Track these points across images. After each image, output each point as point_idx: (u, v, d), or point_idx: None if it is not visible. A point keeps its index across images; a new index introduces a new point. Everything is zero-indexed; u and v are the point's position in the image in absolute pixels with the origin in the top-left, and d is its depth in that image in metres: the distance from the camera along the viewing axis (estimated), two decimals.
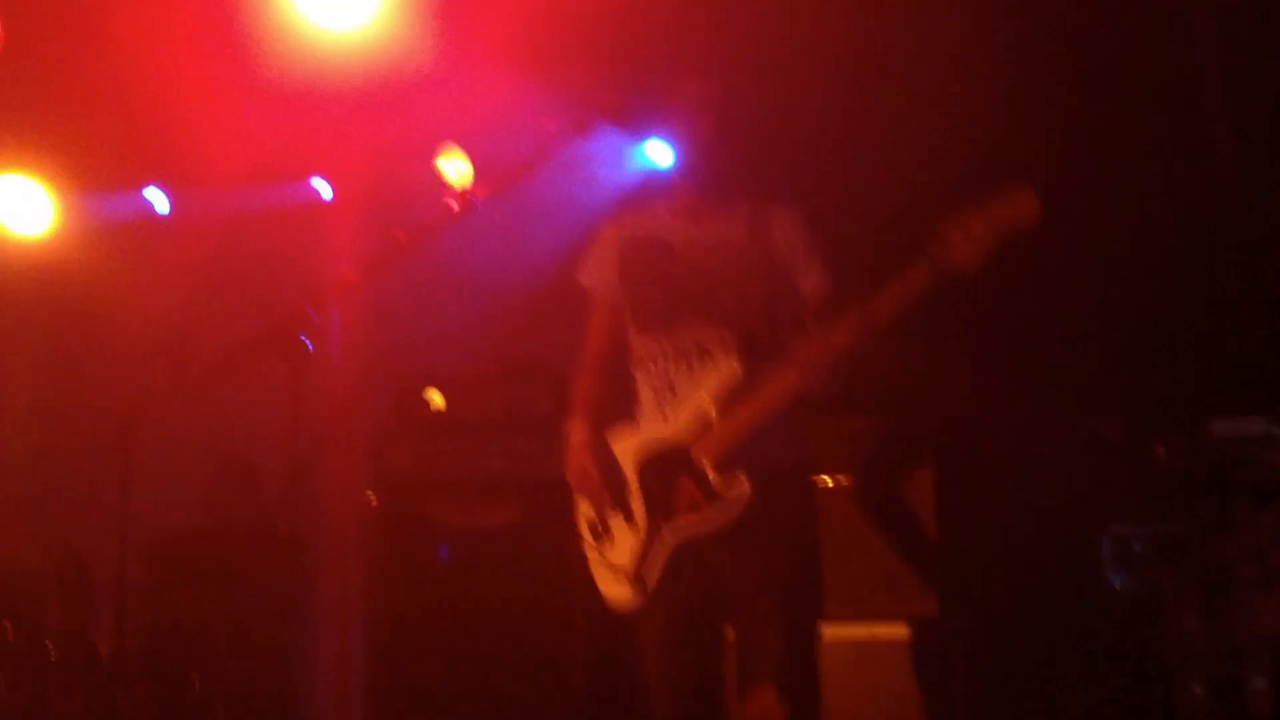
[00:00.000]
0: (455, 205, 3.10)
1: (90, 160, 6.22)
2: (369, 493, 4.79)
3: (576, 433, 3.30)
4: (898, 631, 4.17)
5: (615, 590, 3.20)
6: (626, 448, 3.23)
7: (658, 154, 5.79)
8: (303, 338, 2.94)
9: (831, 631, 3.91)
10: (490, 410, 4.85)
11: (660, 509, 3.13)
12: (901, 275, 2.96)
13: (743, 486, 3.06)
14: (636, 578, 3.13)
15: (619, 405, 3.34)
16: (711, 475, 3.09)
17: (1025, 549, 4.44)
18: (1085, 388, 4.58)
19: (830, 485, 4.31)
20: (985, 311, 4.56)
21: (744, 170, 3.34)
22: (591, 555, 3.27)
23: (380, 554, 4.74)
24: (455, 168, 5.77)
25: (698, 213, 3.28)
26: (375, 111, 5.90)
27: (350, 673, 4.62)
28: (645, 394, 3.25)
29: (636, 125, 5.73)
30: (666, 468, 3.13)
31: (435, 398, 4.87)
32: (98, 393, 5.56)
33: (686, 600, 3.12)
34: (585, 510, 3.29)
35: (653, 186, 5.43)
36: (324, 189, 6.39)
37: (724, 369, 3.12)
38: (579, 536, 3.30)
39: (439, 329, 5.95)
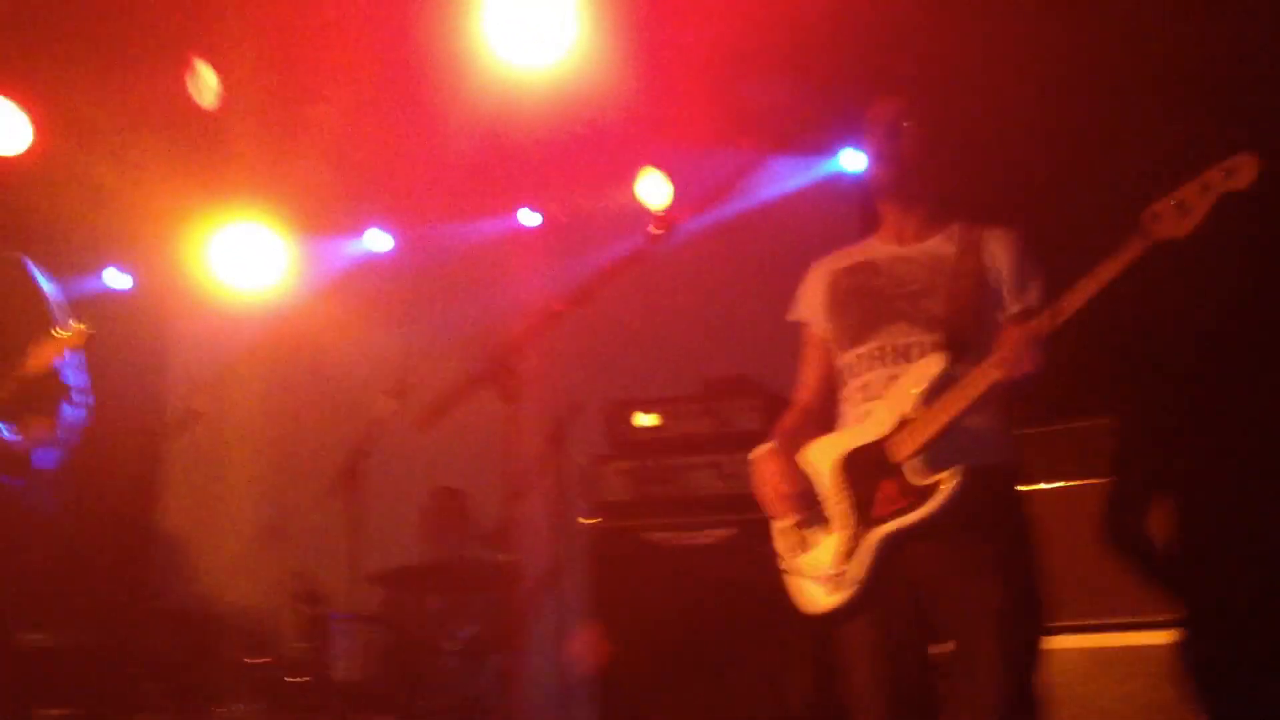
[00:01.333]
0: (656, 228, 3.11)
1: (314, 206, 6.53)
2: (581, 518, 4.86)
3: (758, 450, 3.27)
4: (1123, 639, 3.97)
5: (812, 600, 3.15)
6: (826, 454, 3.18)
7: (852, 165, 5.73)
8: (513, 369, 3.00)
9: (1056, 641, 3.76)
10: (699, 429, 4.86)
11: (860, 511, 3.07)
12: (1112, 253, 2.84)
13: (942, 484, 2.97)
14: (838, 583, 3.07)
15: (824, 430, 3.29)
16: (909, 473, 3.01)
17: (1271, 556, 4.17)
18: None
19: (1047, 490, 4.15)
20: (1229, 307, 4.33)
21: (951, 190, 3.27)
22: (787, 567, 3.22)
23: (596, 576, 4.79)
24: (655, 191, 5.85)
25: (904, 234, 3.25)
26: (575, 141, 6.01)
27: (573, 694, 4.67)
28: (847, 405, 3.22)
29: (833, 142, 5.70)
30: (865, 470, 3.08)
31: (644, 419, 4.92)
32: (325, 430, 5.81)
33: (893, 604, 3.04)
34: (779, 525, 3.25)
35: (855, 204, 5.38)
36: (530, 219, 6.55)
37: (927, 367, 3.04)
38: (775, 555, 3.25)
39: (646, 351, 6.03)
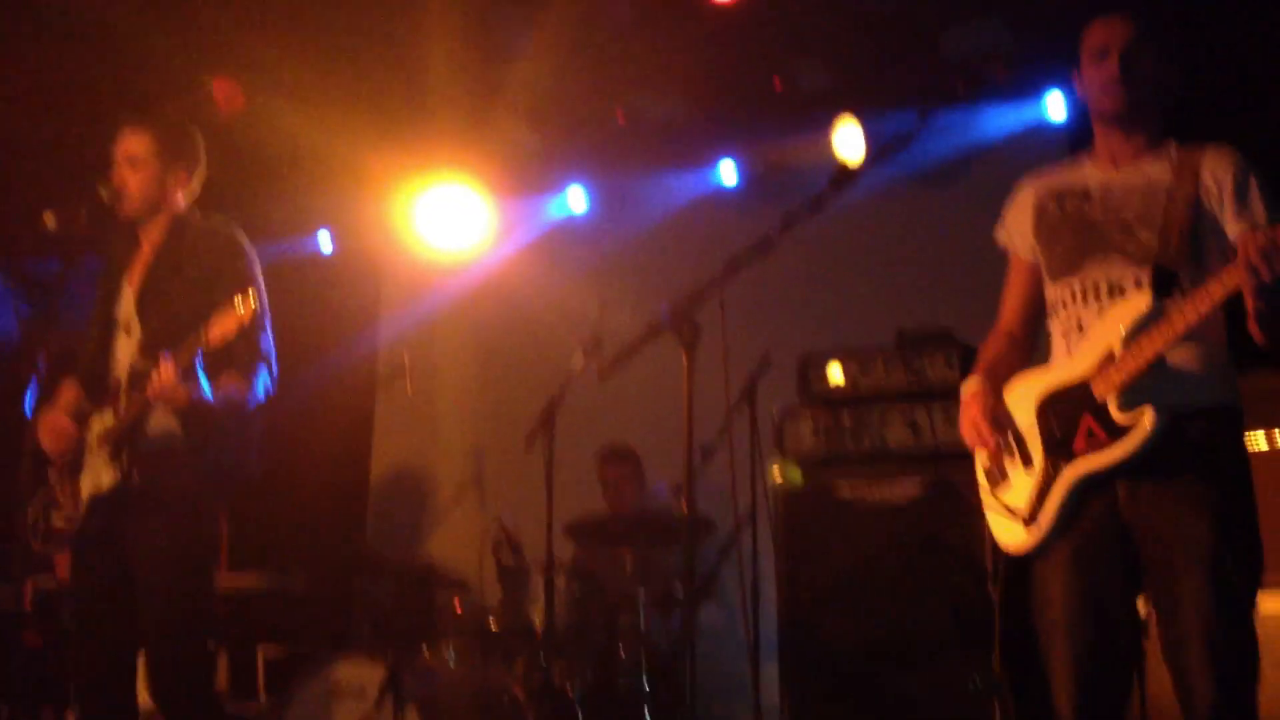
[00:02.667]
0: (840, 177, 3.06)
1: (514, 166, 6.67)
2: (774, 469, 4.84)
3: (968, 386, 3.19)
4: None
5: (1010, 535, 3.06)
6: (1028, 392, 3.09)
7: (1055, 109, 5.51)
8: (693, 319, 3.00)
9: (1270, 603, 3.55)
10: (892, 382, 4.78)
11: (1059, 448, 2.97)
12: None
13: (1147, 420, 2.84)
14: (1032, 519, 2.99)
15: (1030, 362, 3.20)
16: (1112, 411, 2.89)
17: None
18: None
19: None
20: None
21: (1168, 112, 3.11)
22: (987, 502, 3.14)
23: (785, 530, 4.78)
24: (851, 142, 5.75)
25: (1119, 157, 3.10)
26: (771, 93, 5.96)
27: (762, 649, 4.69)
28: (1056, 340, 3.11)
29: (1037, 78, 5.48)
30: (1067, 406, 2.97)
31: (837, 372, 4.86)
32: (525, 385, 5.95)
33: (1092, 545, 2.94)
34: (980, 459, 3.18)
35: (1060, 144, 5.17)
36: (728, 175, 6.51)
37: (1135, 303, 2.91)
38: (977, 490, 3.18)
39: (837, 303, 5.96)
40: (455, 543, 6.47)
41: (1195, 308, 2.78)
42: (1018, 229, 3.24)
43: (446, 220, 6.74)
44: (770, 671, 4.70)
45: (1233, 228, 2.93)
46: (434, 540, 6.76)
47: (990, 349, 3.27)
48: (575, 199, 6.88)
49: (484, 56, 5.93)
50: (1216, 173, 2.97)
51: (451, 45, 5.84)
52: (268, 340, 3.88)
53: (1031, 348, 3.25)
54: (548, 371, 5.10)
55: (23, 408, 4.12)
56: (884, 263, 5.97)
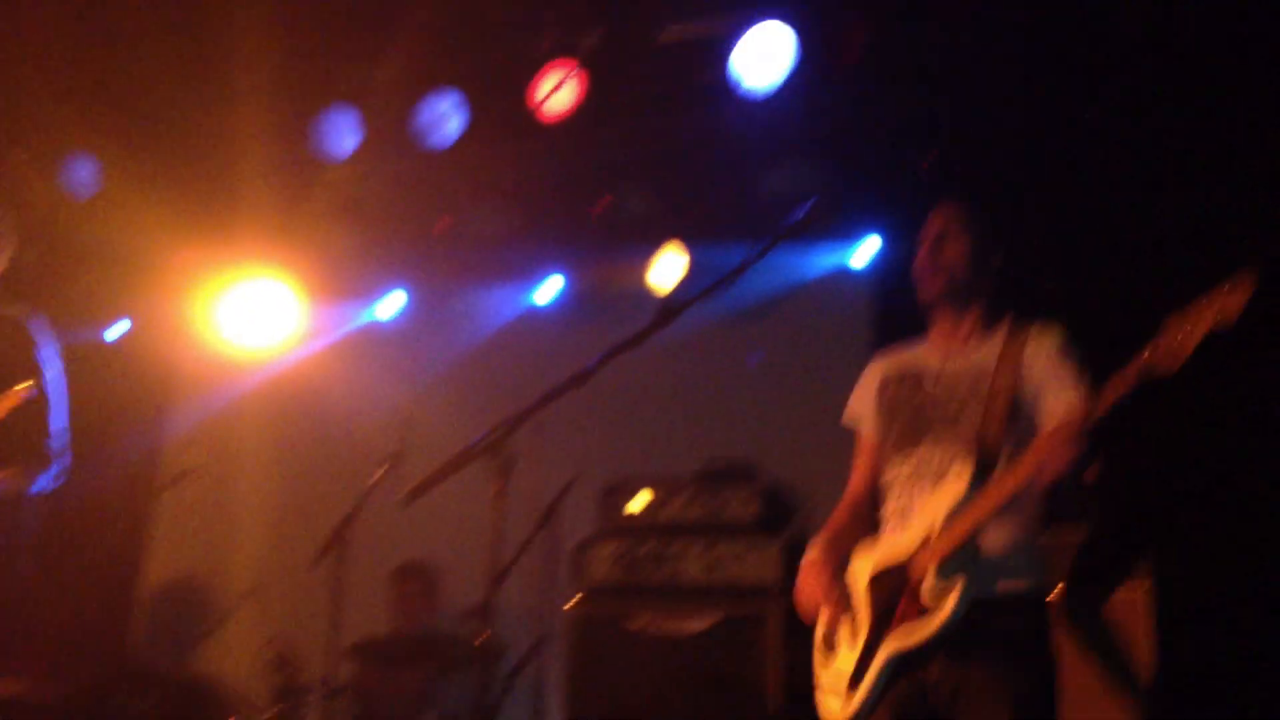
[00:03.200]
0: (665, 307, 3.08)
1: (326, 268, 6.53)
2: (566, 601, 4.77)
3: (809, 554, 3.25)
4: None
5: (832, 708, 3.11)
6: (863, 564, 3.17)
7: (859, 256, 5.70)
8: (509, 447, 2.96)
9: None
10: (692, 515, 4.79)
11: (881, 623, 3.04)
12: (1113, 378, 2.78)
13: (949, 603, 2.91)
14: (851, 689, 3.04)
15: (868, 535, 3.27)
16: (923, 591, 2.97)
17: (1253, 670, 4.07)
18: None
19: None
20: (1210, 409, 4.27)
21: (998, 290, 3.25)
22: (817, 677, 3.19)
23: (575, 660, 4.69)
24: (670, 268, 5.83)
25: (951, 341, 3.23)
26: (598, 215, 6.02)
27: None
28: (889, 518, 3.20)
29: (845, 234, 5.69)
30: (890, 582, 3.05)
31: (639, 501, 4.84)
32: (320, 494, 5.75)
33: (896, 712, 2.99)
34: (819, 628, 3.23)
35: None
36: (549, 291, 6.47)
37: (954, 488, 3.01)
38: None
39: (644, 433, 5.97)
40: (230, 658, 6.14)
41: (997, 493, 2.92)
42: (864, 409, 3.35)
43: (252, 317, 6.54)
44: None
45: (1051, 405, 3.05)
46: (208, 654, 6.38)
47: (835, 519, 3.34)
48: (387, 305, 6.76)
49: (299, 155, 5.85)
50: (1039, 355, 3.11)
51: (266, 141, 5.74)
52: (59, 433, 3.69)
53: (874, 520, 3.30)
54: (346, 482, 4.93)
55: None
56: (690, 395, 6.02)
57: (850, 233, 5.72)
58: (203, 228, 6.00)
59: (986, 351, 3.17)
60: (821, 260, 5.70)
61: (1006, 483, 2.91)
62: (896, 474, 3.17)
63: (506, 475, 2.93)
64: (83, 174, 5.78)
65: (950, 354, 3.21)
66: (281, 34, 5.39)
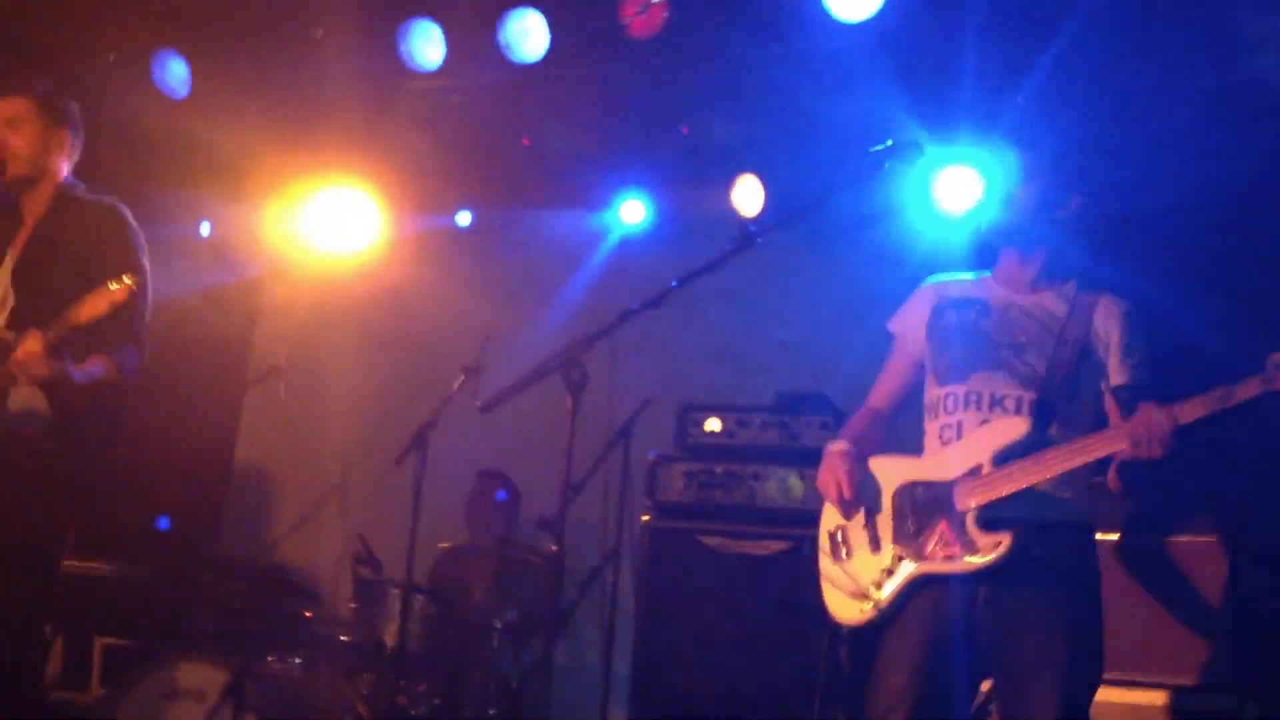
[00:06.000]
0: (744, 232, 3.13)
1: (413, 179, 6.61)
2: (644, 515, 4.90)
3: (835, 444, 3.29)
4: (1158, 698, 3.93)
5: (845, 610, 3.19)
6: (890, 473, 3.21)
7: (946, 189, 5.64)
8: (582, 364, 3.04)
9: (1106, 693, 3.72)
10: (766, 440, 4.88)
11: (908, 541, 3.10)
12: (1230, 386, 2.82)
13: (1004, 544, 2.98)
14: (869, 599, 3.11)
15: (890, 445, 3.32)
16: (969, 523, 3.02)
17: None
18: None
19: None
20: None
21: (1076, 251, 3.27)
22: (825, 569, 3.26)
23: (648, 573, 4.83)
24: (748, 195, 5.85)
25: (1019, 281, 3.26)
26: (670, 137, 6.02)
27: (613, 688, 4.73)
28: (930, 438, 3.23)
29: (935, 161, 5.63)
30: (925, 502, 3.10)
31: (713, 424, 4.94)
32: (402, 399, 5.91)
33: (930, 635, 3.06)
34: (828, 519, 3.28)
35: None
36: (633, 214, 6.50)
37: (1014, 425, 3.05)
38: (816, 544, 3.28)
39: (722, 359, 6.04)
40: (312, 551, 6.38)
41: (1071, 458, 2.96)
42: (911, 324, 3.37)
43: (336, 223, 6.64)
44: (618, 712, 4.74)
45: (1114, 378, 3.11)
46: (290, 546, 6.63)
47: (859, 422, 3.40)
48: (467, 217, 6.84)
49: (384, 66, 5.89)
50: (1108, 323, 3.15)
51: (353, 50, 5.79)
52: (142, 323, 3.81)
53: (893, 430, 3.38)
54: (427, 388, 5.07)
55: None
56: (772, 321, 6.07)
57: (931, 165, 5.69)
58: (289, 134, 6.08)
59: (1055, 299, 3.21)
60: (902, 191, 5.67)
61: (1079, 454, 2.95)
62: (944, 395, 3.18)
63: (580, 392, 3.02)
64: (172, 75, 5.87)
65: (1017, 292, 3.24)
66: None
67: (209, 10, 5.63)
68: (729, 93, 5.84)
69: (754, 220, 5.55)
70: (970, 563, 2.99)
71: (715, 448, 4.94)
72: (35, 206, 3.91)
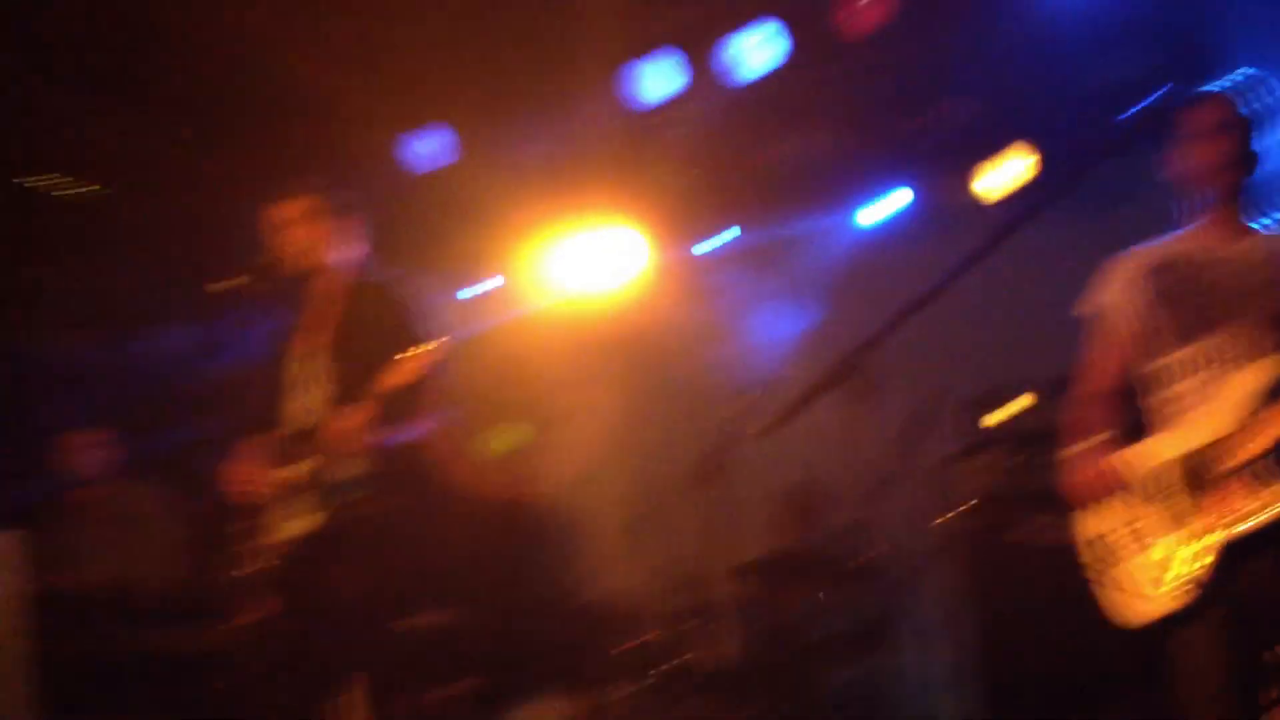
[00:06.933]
0: (1010, 215, 3.08)
1: (669, 209, 6.72)
2: (939, 515, 4.82)
3: (1085, 442, 3.24)
4: None
5: (1147, 606, 3.08)
6: (1159, 456, 3.12)
7: None
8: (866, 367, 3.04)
9: None
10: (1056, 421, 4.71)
11: (1198, 515, 3.01)
12: None
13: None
14: (1172, 588, 3.02)
15: (1130, 426, 3.25)
16: (1250, 479, 2.93)
17: None
18: None
19: None
20: None
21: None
22: (1102, 577, 3.17)
23: (960, 573, 4.74)
24: (1007, 174, 5.68)
25: (1220, 236, 3.19)
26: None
27: (941, 692, 4.65)
28: (1171, 402, 3.15)
29: None
30: (1201, 473, 3.02)
31: (1006, 411, 4.83)
32: (683, 426, 5.99)
33: (1232, 609, 2.98)
34: (1095, 524, 3.20)
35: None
36: (885, 211, 6.42)
37: (1261, 371, 2.98)
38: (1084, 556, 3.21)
39: (1005, 344, 5.86)
40: (622, 583, 6.52)
41: None
42: (1116, 299, 3.30)
43: (604, 261, 6.83)
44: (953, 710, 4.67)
45: None
46: (601, 580, 6.80)
47: (1090, 418, 3.33)
48: (725, 240, 6.90)
49: (630, 102, 6.02)
50: None
51: (602, 93, 5.96)
52: (439, 384, 4.00)
53: (1125, 404, 3.29)
54: (707, 412, 5.12)
55: (213, 458, 4.31)
56: (1050, 299, 5.85)
57: None
58: (550, 182, 6.30)
59: (1252, 246, 3.15)
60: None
61: None
62: (1176, 360, 3.12)
63: (868, 395, 3.02)
64: (439, 143, 6.19)
65: (1221, 245, 3.17)
66: None
67: (473, 80, 5.89)
68: (970, 71, 5.71)
69: (1016, 200, 5.41)
70: (1264, 517, 2.90)
71: (1014, 435, 4.84)
72: (329, 296, 4.15)
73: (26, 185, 6.17)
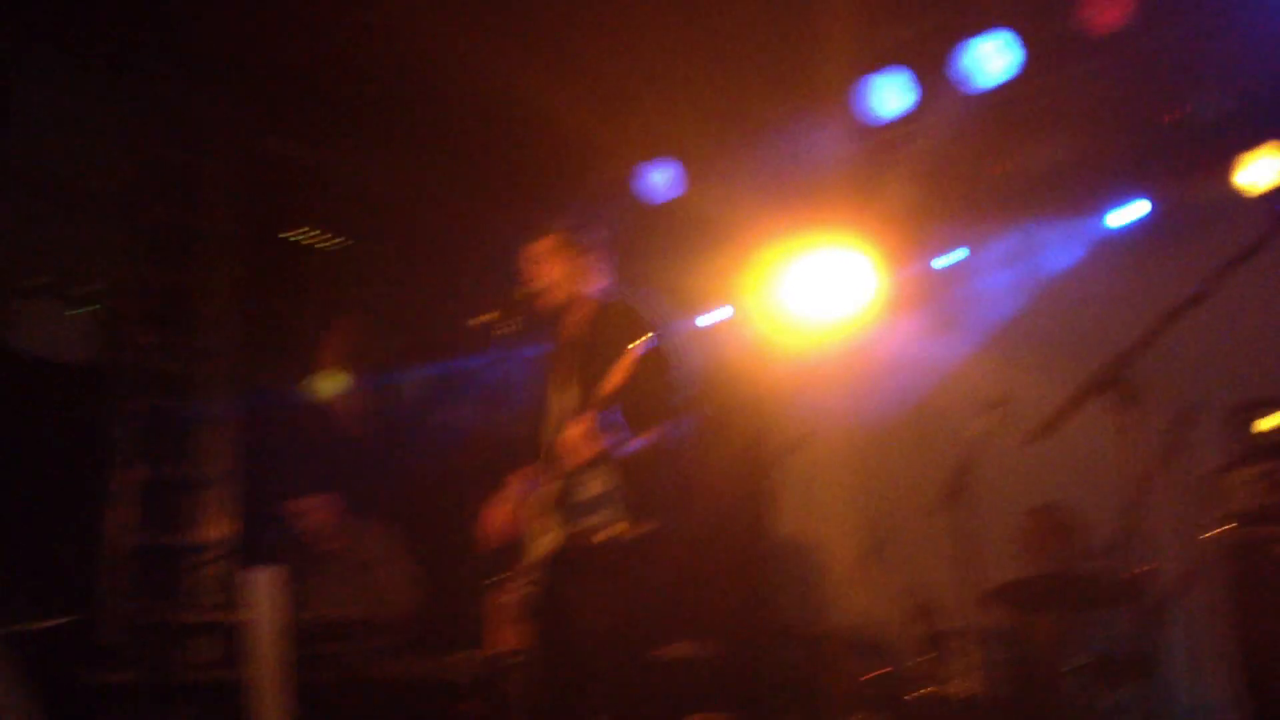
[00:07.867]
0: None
1: (904, 229, 6.63)
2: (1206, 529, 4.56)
3: None
4: None
5: None
6: None
7: None
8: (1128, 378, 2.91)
9: None
10: None
11: None
12: None
13: None
14: None
15: None
16: None
17: None
18: None
19: None
20: None
21: None
22: None
23: (1230, 591, 4.46)
24: (1268, 168, 5.35)
25: None
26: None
27: (1214, 712, 4.39)
28: None
29: None
30: None
31: (1268, 422, 4.54)
32: (922, 448, 5.86)
33: None
34: None
35: None
36: (1132, 214, 6.16)
37: None
38: None
39: (1269, 347, 5.53)
40: (863, 610, 6.41)
41: None
42: None
43: (832, 286, 6.77)
44: None
45: None
46: (840, 608, 6.71)
47: None
48: (956, 257, 6.74)
49: (862, 121, 5.97)
50: None
51: (835, 113, 5.92)
52: (672, 395, 3.99)
53: None
54: (945, 432, 4.99)
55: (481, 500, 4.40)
56: None
57: None
58: (783, 206, 6.30)
59: None
60: None
61: None
62: None
63: (1129, 406, 2.88)
64: (668, 178, 6.29)
65: None
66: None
67: (705, 110, 5.96)
68: (1215, 65, 5.44)
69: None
70: None
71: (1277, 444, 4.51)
72: (581, 326, 4.22)
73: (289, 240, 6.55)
